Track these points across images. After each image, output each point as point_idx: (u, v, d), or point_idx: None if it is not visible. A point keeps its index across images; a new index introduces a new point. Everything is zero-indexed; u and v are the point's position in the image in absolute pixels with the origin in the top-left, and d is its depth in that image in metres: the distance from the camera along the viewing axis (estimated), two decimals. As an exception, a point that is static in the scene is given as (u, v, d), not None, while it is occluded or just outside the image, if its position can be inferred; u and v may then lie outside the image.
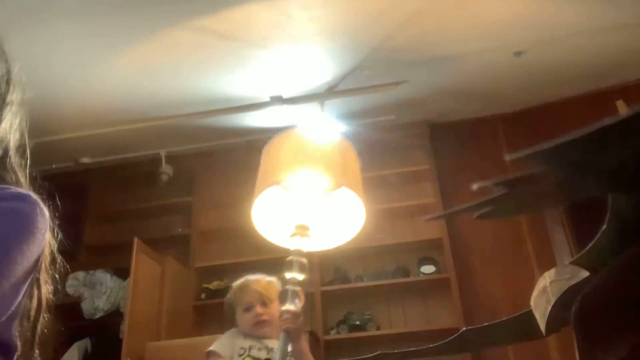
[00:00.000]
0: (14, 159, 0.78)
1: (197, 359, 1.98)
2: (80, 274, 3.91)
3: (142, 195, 4.32)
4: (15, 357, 0.71)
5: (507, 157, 0.51)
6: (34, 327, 0.76)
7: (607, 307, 0.67)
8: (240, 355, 1.86)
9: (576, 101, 3.78)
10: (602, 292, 0.67)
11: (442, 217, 3.55)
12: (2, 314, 0.65)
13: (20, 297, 0.69)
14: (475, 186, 0.56)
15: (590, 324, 0.67)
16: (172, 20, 2.91)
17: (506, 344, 2.49)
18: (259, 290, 1.95)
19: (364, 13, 2.96)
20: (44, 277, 0.76)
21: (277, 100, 3.68)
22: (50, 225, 0.74)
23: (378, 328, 3.60)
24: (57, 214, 0.79)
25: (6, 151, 0.78)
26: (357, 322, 3.57)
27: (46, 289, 0.78)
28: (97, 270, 3.94)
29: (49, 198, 0.77)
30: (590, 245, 0.71)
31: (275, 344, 1.74)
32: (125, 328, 3.19)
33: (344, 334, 3.55)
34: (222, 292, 3.82)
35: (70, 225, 0.87)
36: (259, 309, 1.92)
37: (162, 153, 4.21)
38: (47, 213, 0.73)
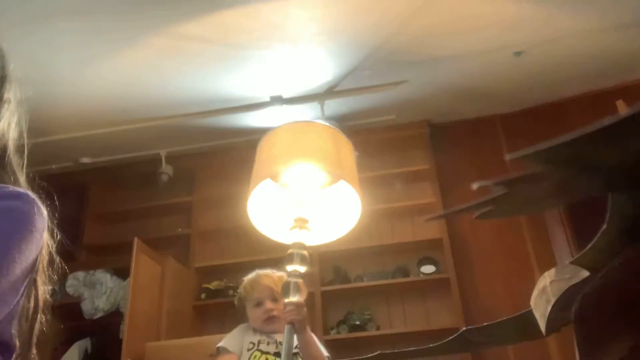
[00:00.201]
0: (13, 158, 0.77)
1: (197, 359, 1.97)
2: (80, 274, 3.91)
3: (142, 195, 4.32)
4: (14, 357, 0.71)
5: (507, 157, 0.51)
6: (32, 327, 0.75)
7: (607, 307, 0.67)
8: (249, 350, 1.85)
9: (576, 101, 3.78)
10: (602, 292, 0.67)
11: (442, 217, 3.54)
12: (2, 312, 0.65)
13: (19, 296, 0.69)
14: (475, 186, 0.56)
15: (590, 324, 0.67)
16: (173, 20, 2.90)
17: (506, 343, 2.49)
18: (270, 285, 1.93)
19: (364, 13, 2.96)
20: (41, 277, 0.76)
21: (277, 100, 3.68)
22: (48, 226, 0.74)
23: (378, 328, 3.59)
24: (56, 214, 0.78)
25: (4, 150, 0.76)
26: (357, 322, 3.57)
27: (44, 290, 0.77)
28: (97, 270, 3.94)
29: (48, 198, 0.77)
30: (590, 245, 0.71)
31: None
32: (125, 328, 3.18)
33: (344, 334, 3.55)
34: (222, 292, 3.83)
35: (70, 225, 0.87)
36: (269, 304, 1.90)
37: (162, 153, 4.21)
38: (45, 212, 0.72)
